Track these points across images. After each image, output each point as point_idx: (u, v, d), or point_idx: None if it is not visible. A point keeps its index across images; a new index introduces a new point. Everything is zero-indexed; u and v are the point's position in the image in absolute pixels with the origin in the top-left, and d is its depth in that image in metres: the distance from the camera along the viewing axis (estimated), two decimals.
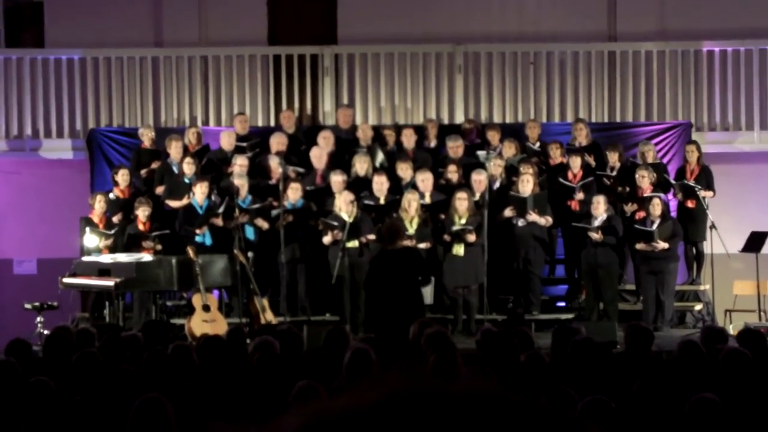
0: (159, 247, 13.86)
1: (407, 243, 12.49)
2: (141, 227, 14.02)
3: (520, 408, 1.36)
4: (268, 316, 13.05)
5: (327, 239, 13.63)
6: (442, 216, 13.80)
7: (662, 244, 13.63)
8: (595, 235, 13.61)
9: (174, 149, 14.87)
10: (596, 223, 13.73)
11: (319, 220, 13.78)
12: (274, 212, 13.96)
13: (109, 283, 12.81)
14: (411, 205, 13.42)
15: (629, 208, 14.36)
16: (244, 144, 15.19)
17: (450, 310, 13.74)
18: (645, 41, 16.83)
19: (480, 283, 13.52)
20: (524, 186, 13.90)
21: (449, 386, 1.37)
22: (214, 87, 16.99)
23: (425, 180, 14.10)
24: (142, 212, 14.03)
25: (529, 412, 1.36)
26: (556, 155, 14.97)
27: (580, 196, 14.34)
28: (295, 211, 13.99)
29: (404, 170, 14.48)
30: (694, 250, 14.94)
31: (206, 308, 12.63)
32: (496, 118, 16.63)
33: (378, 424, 1.33)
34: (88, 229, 14.16)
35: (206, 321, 12.51)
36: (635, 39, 16.92)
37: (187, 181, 14.41)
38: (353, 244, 13.51)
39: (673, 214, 14.54)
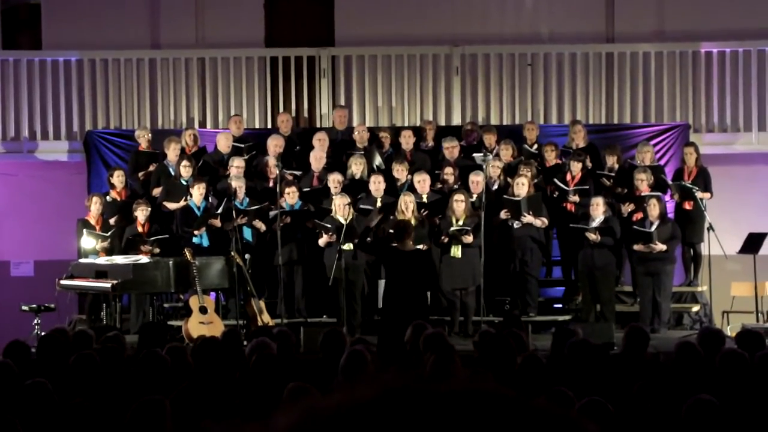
0: (157, 250, 13.85)
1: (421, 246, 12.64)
2: (140, 229, 14.01)
3: (515, 405, 1.34)
4: (265, 318, 13.04)
5: (322, 241, 13.64)
6: (437, 220, 13.79)
7: (660, 246, 13.60)
8: (593, 236, 13.59)
9: (172, 151, 14.85)
10: (594, 224, 13.70)
11: (313, 222, 13.78)
12: (272, 214, 13.94)
13: (106, 285, 12.80)
14: (408, 206, 13.40)
15: (626, 208, 14.35)
16: (242, 145, 15.18)
17: (447, 312, 13.72)
18: (643, 42, 16.82)
19: (477, 284, 13.50)
20: (519, 188, 13.88)
21: (443, 384, 1.36)
22: (211, 89, 16.98)
23: (422, 181, 14.09)
24: (141, 213, 14.02)
25: (525, 410, 1.35)
26: (551, 157, 14.94)
27: (575, 199, 14.32)
28: (292, 212, 13.98)
29: (400, 172, 14.47)
30: (691, 252, 14.91)
31: (203, 310, 12.61)
32: (494, 120, 16.63)
33: (371, 422, 1.32)
34: (85, 231, 14.15)
35: (203, 323, 12.49)
36: (633, 40, 16.91)
37: (184, 182, 14.39)
38: (348, 246, 13.50)
39: (671, 215, 14.51)
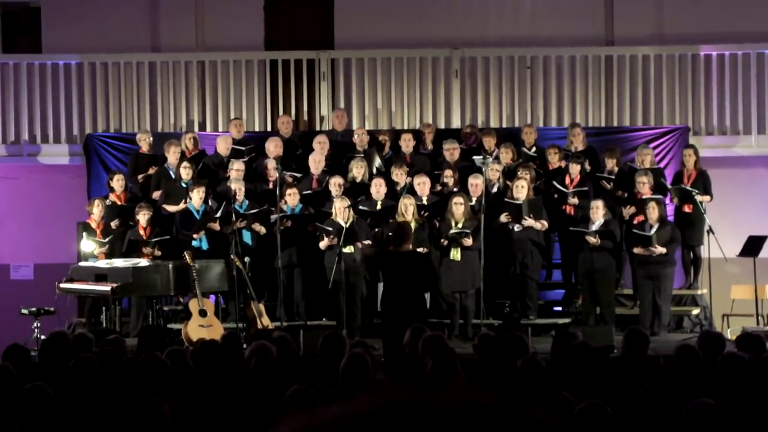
0: (158, 253, 13.84)
1: (421, 249, 12.62)
2: (142, 232, 14.01)
3: (515, 418, 1.34)
4: (265, 321, 13.03)
5: (323, 244, 13.63)
6: (436, 223, 13.78)
7: (660, 249, 13.60)
8: (592, 239, 13.58)
9: (172, 154, 14.88)
10: (594, 227, 13.70)
11: (314, 225, 13.78)
12: (273, 217, 13.95)
13: (106, 288, 12.79)
14: (408, 209, 13.41)
15: (627, 211, 14.35)
16: (242, 148, 15.18)
17: (447, 315, 13.71)
18: (642, 45, 16.82)
19: (477, 287, 13.50)
20: (519, 191, 13.87)
21: (443, 397, 1.36)
22: (210, 92, 16.99)
23: (422, 184, 14.09)
24: (143, 217, 14.00)
25: (525, 422, 1.35)
26: (554, 160, 14.93)
27: (574, 201, 14.32)
28: (293, 216, 13.98)
29: (399, 175, 14.47)
30: (691, 255, 14.92)
31: (203, 313, 12.60)
32: (493, 123, 16.63)
33: None
34: (84, 234, 14.15)
35: (203, 326, 12.48)
36: (632, 43, 16.91)
37: (184, 185, 14.40)
38: (349, 249, 13.50)
39: (671, 218, 14.51)
